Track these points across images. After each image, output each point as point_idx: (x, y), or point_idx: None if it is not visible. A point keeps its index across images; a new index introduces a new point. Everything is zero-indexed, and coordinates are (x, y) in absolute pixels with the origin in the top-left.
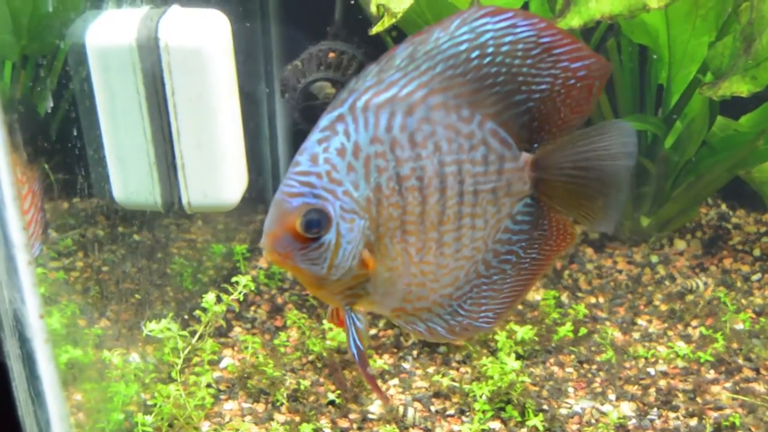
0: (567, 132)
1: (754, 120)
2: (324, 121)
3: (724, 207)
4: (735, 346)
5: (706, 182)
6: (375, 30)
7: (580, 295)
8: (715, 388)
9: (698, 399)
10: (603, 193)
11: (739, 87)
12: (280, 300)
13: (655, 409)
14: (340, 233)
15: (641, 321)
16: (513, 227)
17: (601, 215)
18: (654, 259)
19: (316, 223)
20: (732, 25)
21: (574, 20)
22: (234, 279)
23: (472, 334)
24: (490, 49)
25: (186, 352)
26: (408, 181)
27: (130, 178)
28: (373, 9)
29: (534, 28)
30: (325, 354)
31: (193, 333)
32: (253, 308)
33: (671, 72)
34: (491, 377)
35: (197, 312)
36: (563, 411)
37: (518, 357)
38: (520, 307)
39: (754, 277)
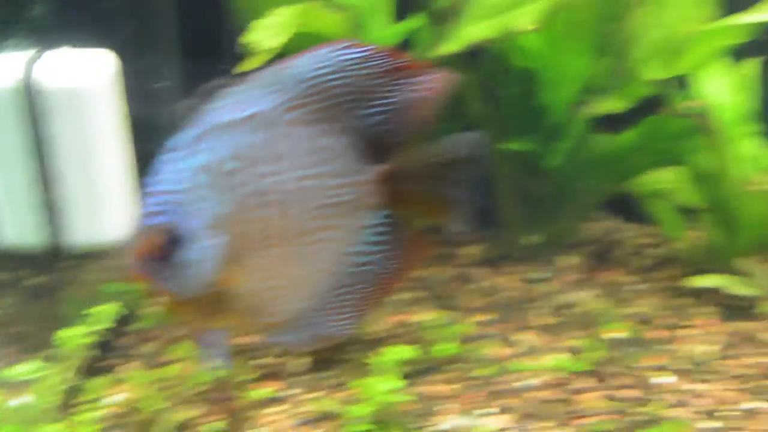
0: (418, 142)
1: (634, 135)
2: (183, 139)
3: (612, 221)
4: (610, 355)
5: (591, 197)
6: (245, 67)
7: (469, 313)
8: (588, 397)
9: (572, 408)
10: (455, 200)
11: (614, 104)
12: (175, 333)
13: (532, 420)
14: (201, 250)
15: (527, 336)
16: (372, 238)
17: (456, 220)
18: (544, 275)
19: (176, 241)
20: (607, 44)
21: (451, 46)
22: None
23: (335, 341)
24: (347, 72)
25: (68, 391)
26: (269, 195)
27: (12, 221)
28: (250, 45)
29: (386, 56)
30: (212, 384)
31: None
32: (146, 343)
33: (552, 92)
34: (372, 398)
35: (65, 347)
36: (444, 426)
37: (403, 377)
38: (409, 327)
39: (637, 288)
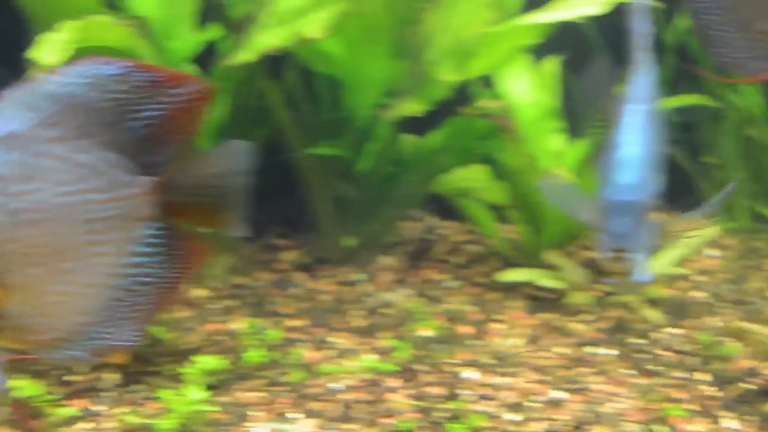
0: (184, 152)
1: (439, 136)
2: None
3: (431, 219)
4: (419, 353)
5: (403, 198)
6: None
7: (281, 319)
8: (395, 396)
9: (379, 408)
10: (227, 205)
11: (411, 106)
12: None
13: (336, 423)
14: None
15: (336, 339)
16: (147, 250)
17: (230, 224)
18: (359, 277)
19: None
20: (404, 48)
21: (246, 55)
22: None
23: (116, 354)
24: (105, 88)
25: None
26: (27, 214)
27: None
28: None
29: (144, 70)
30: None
31: None
32: None
33: (355, 96)
34: (178, 410)
35: None
36: None
37: (208, 387)
38: (224, 336)
39: (449, 285)
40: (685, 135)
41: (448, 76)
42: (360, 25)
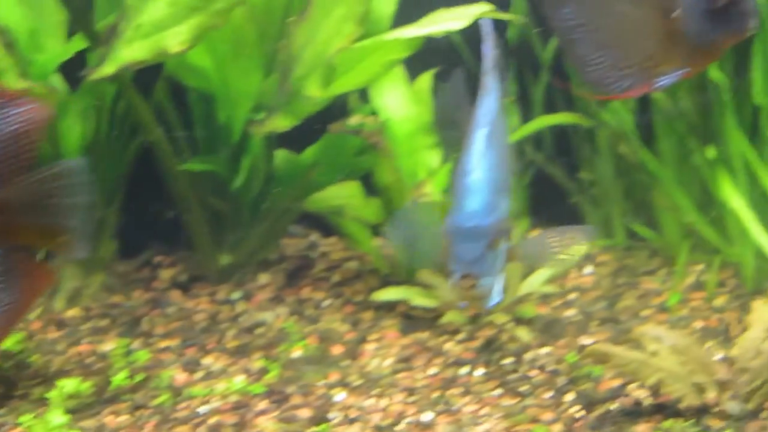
0: (20, 172)
1: (314, 152)
2: None
3: (312, 236)
4: (290, 374)
5: (278, 215)
6: None
7: (154, 339)
8: (263, 420)
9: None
10: (66, 226)
11: (281, 122)
12: None
13: None
14: None
15: (208, 360)
16: None
17: (72, 245)
18: (236, 295)
19: None
20: (273, 63)
21: (108, 68)
22: None
23: None
24: None
25: None
26: None
27: None
28: None
29: None
30: None
31: None
32: None
33: (227, 111)
34: None
35: None
36: None
37: (71, 411)
38: (93, 357)
39: (325, 303)
40: (562, 153)
41: (316, 91)
42: (228, 39)
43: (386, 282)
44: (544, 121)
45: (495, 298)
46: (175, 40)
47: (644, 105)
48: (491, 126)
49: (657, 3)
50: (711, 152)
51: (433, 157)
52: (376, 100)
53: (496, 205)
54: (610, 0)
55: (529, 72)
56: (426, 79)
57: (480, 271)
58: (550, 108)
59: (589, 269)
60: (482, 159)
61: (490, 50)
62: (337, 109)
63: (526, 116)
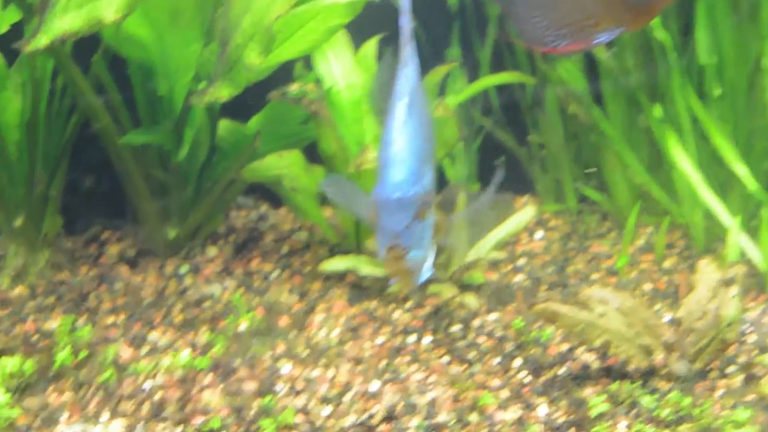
0: None
1: (258, 121)
2: None
3: (261, 208)
4: (236, 347)
5: (224, 186)
6: None
7: (99, 316)
8: (206, 393)
9: (188, 407)
10: None
11: (221, 92)
12: None
13: (144, 423)
14: None
15: (154, 335)
16: None
17: None
18: (183, 269)
19: None
20: (212, 32)
21: (42, 40)
22: None
23: None
24: None
25: None
26: None
27: None
28: None
29: None
30: None
31: None
32: None
33: (167, 82)
34: None
35: None
36: None
37: (12, 390)
38: (36, 335)
39: (273, 275)
40: (511, 116)
41: (256, 59)
42: (165, 8)
43: (335, 252)
44: (490, 81)
45: (425, 273)
46: (109, 9)
47: (591, 66)
48: (411, 96)
49: None
50: (658, 111)
51: (374, 125)
52: (319, 67)
53: (421, 175)
54: None
55: (476, 35)
56: (371, 46)
57: (408, 242)
58: (498, 70)
59: (539, 234)
60: (403, 129)
61: (407, 23)
62: (282, 78)
63: (473, 79)
